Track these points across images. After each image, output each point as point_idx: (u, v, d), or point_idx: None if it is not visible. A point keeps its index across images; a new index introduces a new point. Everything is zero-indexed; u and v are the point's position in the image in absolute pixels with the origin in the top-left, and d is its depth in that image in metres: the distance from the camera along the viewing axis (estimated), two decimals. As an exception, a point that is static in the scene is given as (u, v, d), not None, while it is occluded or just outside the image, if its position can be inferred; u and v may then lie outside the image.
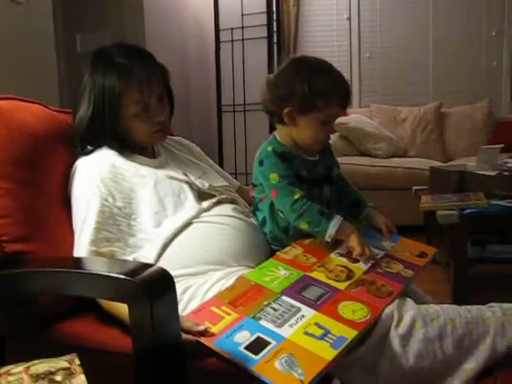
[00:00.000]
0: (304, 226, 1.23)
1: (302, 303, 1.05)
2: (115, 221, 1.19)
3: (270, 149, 1.27)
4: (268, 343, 0.93)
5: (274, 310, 1.02)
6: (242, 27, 4.34)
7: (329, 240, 1.21)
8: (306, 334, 0.96)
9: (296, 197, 1.22)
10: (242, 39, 4.36)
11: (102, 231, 1.16)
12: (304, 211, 1.21)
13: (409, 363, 1.00)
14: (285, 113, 1.24)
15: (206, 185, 1.35)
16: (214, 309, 1.03)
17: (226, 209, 1.29)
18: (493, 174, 2.69)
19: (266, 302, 1.04)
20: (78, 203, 1.21)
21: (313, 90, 1.19)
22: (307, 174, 1.28)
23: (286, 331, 0.96)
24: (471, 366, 1.01)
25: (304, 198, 1.22)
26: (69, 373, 0.77)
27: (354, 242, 1.19)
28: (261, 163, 1.28)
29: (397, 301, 1.07)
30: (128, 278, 0.87)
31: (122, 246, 1.18)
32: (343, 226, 1.20)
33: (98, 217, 1.17)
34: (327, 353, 0.92)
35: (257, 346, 0.93)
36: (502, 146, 2.97)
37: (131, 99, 1.27)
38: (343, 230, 1.20)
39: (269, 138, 1.33)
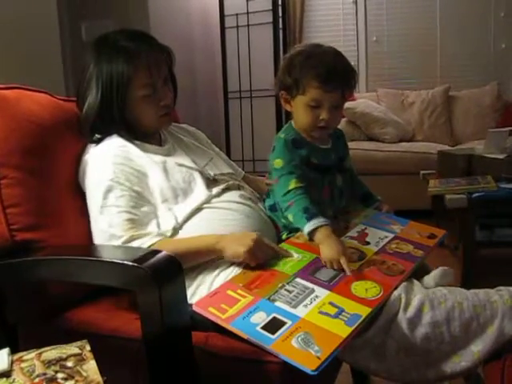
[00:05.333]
0: (290, 219, 1.23)
1: (316, 284, 1.06)
2: (135, 205, 1.19)
3: (282, 135, 1.31)
4: (284, 323, 0.95)
5: (289, 291, 1.04)
6: (248, 13, 4.30)
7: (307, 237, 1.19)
8: (321, 313, 0.98)
9: (290, 188, 1.22)
10: (248, 25, 4.33)
11: (121, 216, 1.17)
12: (292, 203, 1.21)
13: (416, 345, 1.01)
14: (280, 96, 1.32)
15: (214, 171, 1.36)
16: (230, 292, 1.04)
17: (234, 195, 1.31)
18: (501, 157, 2.67)
19: (280, 285, 1.06)
20: (94, 189, 1.21)
21: (291, 74, 1.26)
22: (318, 161, 1.30)
23: (301, 311, 0.98)
24: (479, 348, 1.01)
25: (298, 190, 1.21)
26: (80, 359, 0.79)
27: (323, 253, 1.13)
28: (273, 149, 1.31)
29: (405, 284, 1.07)
30: (136, 264, 0.88)
31: (140, 230, 1.18)
32: (320, 231, 1.15)
33: (116, 202, 1.17)
34: (342, 330, 0.94)
35: (273, 326, 0.95)
36: (511, 128, 2.95)
37: (141, 82, 1.26)
38: (317, 234, 1.16)
39: (285, 125, 1.37)
